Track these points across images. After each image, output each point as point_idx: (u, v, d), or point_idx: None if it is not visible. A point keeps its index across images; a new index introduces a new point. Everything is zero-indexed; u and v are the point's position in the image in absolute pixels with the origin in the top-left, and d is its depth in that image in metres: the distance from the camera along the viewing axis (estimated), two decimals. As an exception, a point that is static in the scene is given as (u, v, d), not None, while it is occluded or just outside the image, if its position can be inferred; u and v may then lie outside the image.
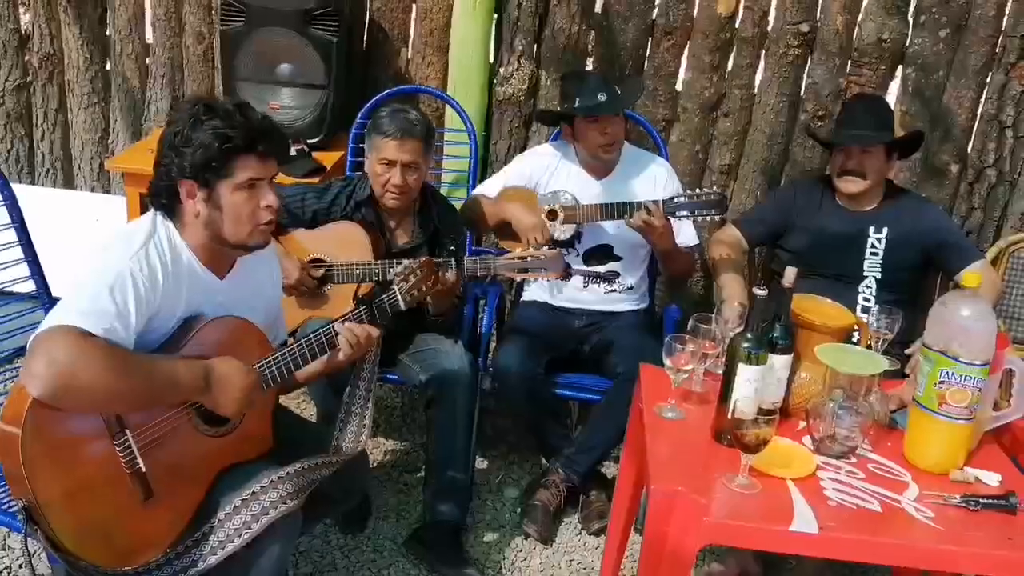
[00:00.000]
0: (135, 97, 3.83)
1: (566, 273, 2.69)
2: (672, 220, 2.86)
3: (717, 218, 2.88)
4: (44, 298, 2.48)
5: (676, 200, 2.85)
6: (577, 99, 2.93)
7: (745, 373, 1.96)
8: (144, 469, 1.84)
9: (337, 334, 2.10)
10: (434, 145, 2.85)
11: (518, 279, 2.76)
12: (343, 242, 2.77)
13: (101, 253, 1.88)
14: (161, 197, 1.94)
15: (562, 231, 2.95)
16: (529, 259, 2.65)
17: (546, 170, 3.06)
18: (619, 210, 2.88)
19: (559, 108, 3.14)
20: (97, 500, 1.79)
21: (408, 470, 3.16)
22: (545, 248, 2.73)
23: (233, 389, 1.91)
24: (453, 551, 2.72)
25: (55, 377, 1.67)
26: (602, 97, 2.90)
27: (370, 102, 3.42)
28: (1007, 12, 3.25)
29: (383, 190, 2.76)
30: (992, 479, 1.95)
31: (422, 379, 2.78)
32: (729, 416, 1.91)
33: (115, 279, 1.80)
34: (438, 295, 2.63)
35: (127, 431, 1.82)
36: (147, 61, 3.81)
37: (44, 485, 1.71)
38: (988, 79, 3.33)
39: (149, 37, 3.81)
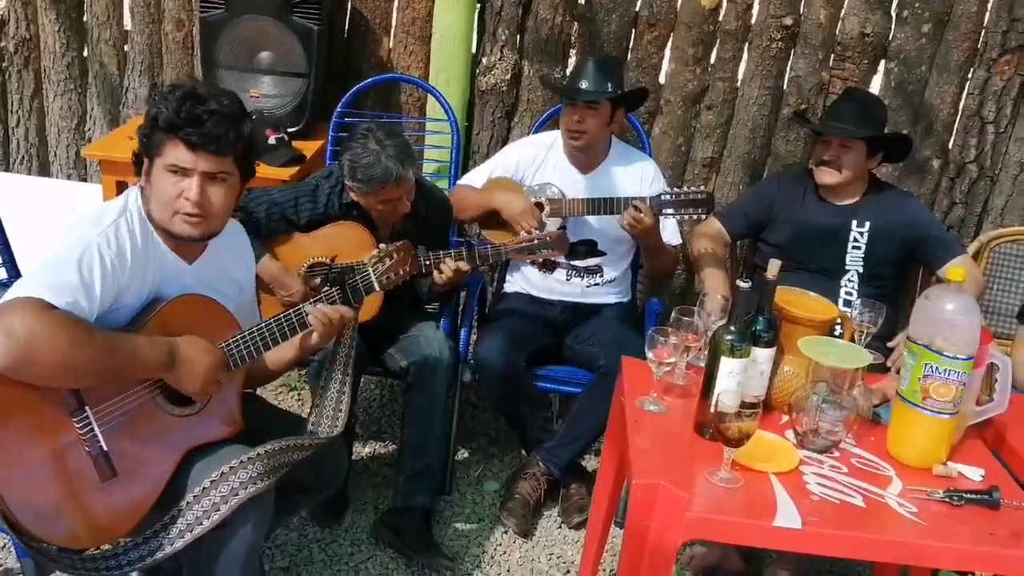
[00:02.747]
0: (113, 84, 3.77)
1: (568, 250, 2.79)
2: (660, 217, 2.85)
3: (704, 217, 2.88)
4: (16, 286, 2.44)
5: (663, 198, 2.83)
6: (571, 77, 2.91)
7: (728, 366, 1.95)
8: (106, 448, 1.80)
9: (307, 315, 2.06)
10: (415, 155, 2.80)
11: (527, 260, 2.86)
12: (347, 242, 2.73)
13: (72, 227, 1.85)
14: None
15: (547, 224, 2.94)
16: (536, 240, 2.71)
17: (533, 162, 3.04)
18: (606, 206, 2.86)
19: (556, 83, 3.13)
20: (57, 480, 1.75)
21: (386, 463, 3.13)
22: (550, 222, 2.79)
23: (198, 367, 1.87)
24: (424, 538, 2.71)
25: (13, 349, 1.63)
26: (584, 84, 2.88)
27: (351, 90, 3.39)
28: (989, 7, 3.25)
29: (389, 218, 2.75)
30: (975, 474, 1.95)
31: (402, 364, 2.78)
32: (712, 409, 1.90)
33: (82, 253, 1.77)
34: (450, 282, 2.65)
35: (87, 408, 1.78)
36: (125, 48, 3.75)
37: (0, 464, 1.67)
38: (970, 74, 3.33)
39: (127, 23, 3.75)
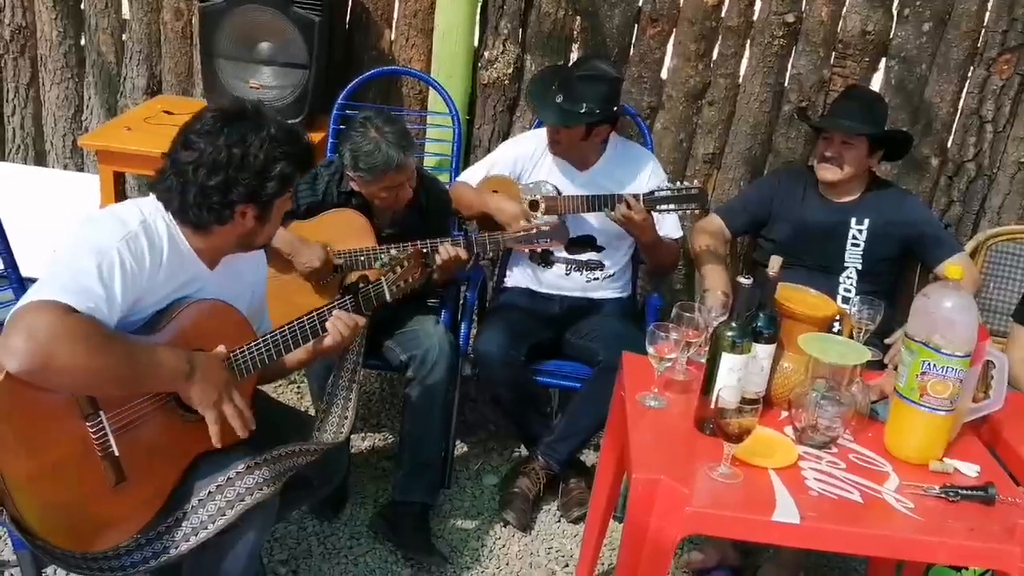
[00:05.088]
0: (110, 73, 3.76)
1: (567, 242, 2.81)
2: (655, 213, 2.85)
3: (697, 212, 2.87)
4: (12, 277, 2.43)
5: (656, 194, 2.82)
6: (552, 87, 2.89)
7: (729, 362, 1.96)
8: (117, 453, 1.79)
9: (324, 322, 2.06)
10: (413, 140, 2.80)
11: (526, 250, 2.89)
12: (346, 229, 2.74)
13: (91, 230, 1.82)
14: (206, 215, 1.88)
15: (544, 221, 2.93)
16: (534, 230, 2.74)
17: (531, 158, 3.04)
18: (600, 202, 2.86)
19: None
20: (66, 482, 1.74)
21: (386, 456, 3.14)
22: (548, 218, 2.81)
23: (214, 380, 1.86)
24: (420, 534, 2.72)
25: (34, 352, 1.61)
26: (560, 99, 2.84)
27: (352, 83, 3.38)
28: (989, 7, 3.26)
29: (392, 205, 2.75)
30: (971, 470, 1.96)
31: (402, 359, 2.78)
32: (712, 405, 1.91)
33: (103, 258, 1.75)
34: (448, 269, 2.66)
35: (101, 413, 1.77)
36: (123, 37, 3.74)
37: (11, 465, 1.66)
38: (970, 73, 3.34)
39: (125, 12, 3.73)
